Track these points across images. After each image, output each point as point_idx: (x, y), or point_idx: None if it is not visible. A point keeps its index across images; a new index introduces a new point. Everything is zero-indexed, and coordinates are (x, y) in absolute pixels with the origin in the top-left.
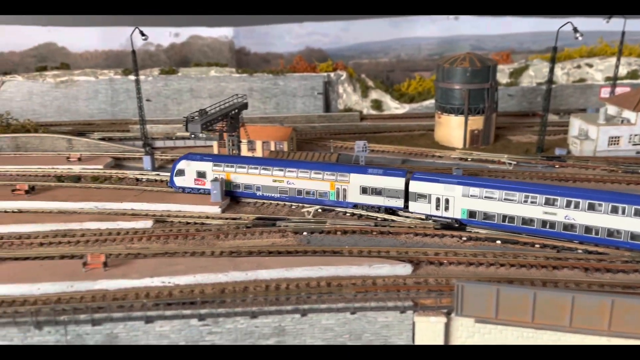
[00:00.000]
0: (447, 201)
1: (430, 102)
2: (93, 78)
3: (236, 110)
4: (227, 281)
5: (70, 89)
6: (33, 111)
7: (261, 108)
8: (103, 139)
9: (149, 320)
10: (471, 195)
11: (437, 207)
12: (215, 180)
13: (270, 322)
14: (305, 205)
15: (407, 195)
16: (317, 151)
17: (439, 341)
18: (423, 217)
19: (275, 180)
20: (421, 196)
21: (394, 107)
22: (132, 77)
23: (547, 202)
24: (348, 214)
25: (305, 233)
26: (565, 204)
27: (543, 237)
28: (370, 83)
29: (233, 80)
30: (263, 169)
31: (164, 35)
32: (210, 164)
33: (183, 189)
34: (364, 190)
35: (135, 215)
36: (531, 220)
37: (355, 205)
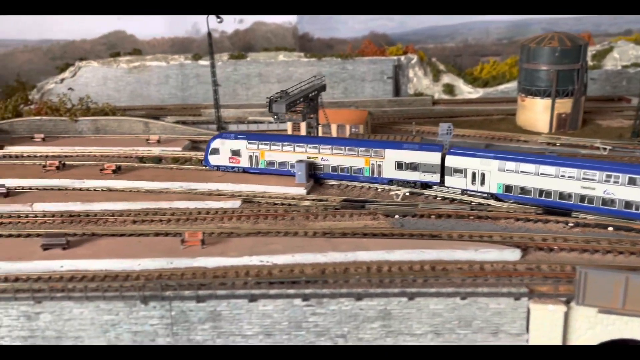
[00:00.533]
0: (482, 175)
1: (505, 87)
2: (164, 63)
3: (316, 92)
4: (326, 262)
5: (142, 74)
6: (107, 96)
7: (329, 93)
8: (178, 122)
9: (252, 298)
10: (507, 170)
11: (473, 181)
12: (300, 161)
13: (375, 305)
14: (392, 188)
15: (442, 170)
16: (394, 135)
17: (557, 332)
18: (458, 191)
19: (309, 157)
20: (457, 171)
21: (467, 91)
22: (202, 62)
23: (586, 177)
24: (439, 198)
25: (397, 216)
26: (605, 179)
27: (580, 212)
28: (442, 67)
29: (301, 64)
30: (297, 146)
31: (227, 21)
32: (245, 142)
33: (217, 167)
34: (400, 166)
35: (221, 195)
36: (569, 195)
37: (390, 181)
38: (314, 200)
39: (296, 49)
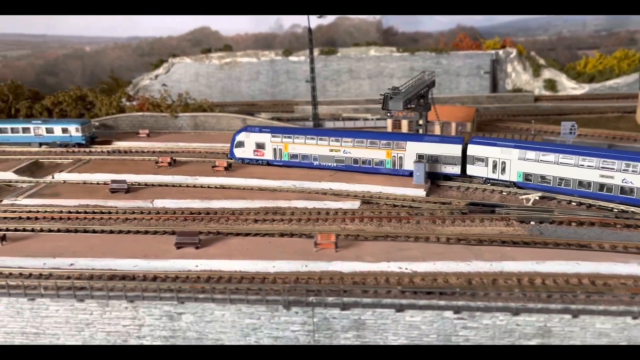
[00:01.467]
0: (503, 164)
1: (614, 82)
2: (255, 59)
3: (426, 88)
4: (470, 271)
5: (233, 71)
6: (199, 92)
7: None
8: (273, 119)
9: (400, 308)
10: (527, 159)
11: (494, 170)
12: (419, 161)
13: (534, 321)
14: (520, 192)
15: (463, 161)
16: (511, 134)
17: None
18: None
19: (331, 150)
20: (479, 159)
21: (570, 87)
22: (292, 58)
23: (604, 166)
24: (574, 203)
25: (532, 222)
26: (623, 167)
27: (599, 200)
28: (542, 61)
29: (393, 59)
30: (320, 139)
31: (310, 17)
32: (269, 135)
33: (242, 160)
34: (421, 158)
35: (336, 195)
36: (588, 184)
37: (411, 173)
38: (435, 202)
39: (382, 43)
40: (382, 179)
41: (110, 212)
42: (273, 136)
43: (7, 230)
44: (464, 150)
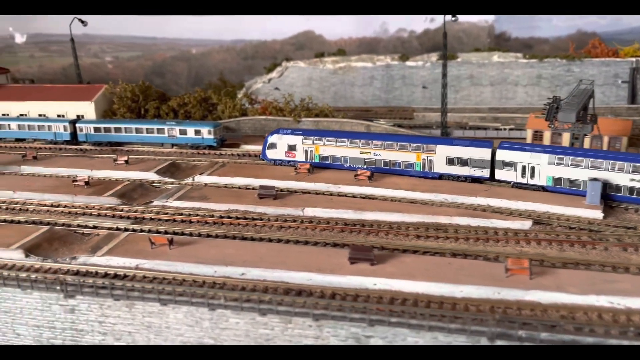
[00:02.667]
0: (532, 169)
1: None
2: (370, 64)
3: (590, 98)
4: None
5: (347, 75)
6: (312, 96)
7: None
8: (394, 126)
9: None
10: (557, 163)
11: (523, 174)
12: (594, 179)
13: None
14: None
15: (492, 165)
16: None
17: None
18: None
19: (362, 152)
20: (507, 164)
21: None
22: (409, 63)
23: (635, 170)
24: None
25: None
26: None
27: (629, 203)
28: None
29: (519, 66)
30: (351, 142)
31: (415, 20)
32: (301, 137)
33: (274, 162)
34: (450, 161)
35: (495, 212)
36: (618, 188)
37: (440, 176)
38: (617, 226)
39: (505, 49)
40: (549, 197)
41: (262, 219)
42: (305, 138)
43: (174, 233)
44: (493, 155)
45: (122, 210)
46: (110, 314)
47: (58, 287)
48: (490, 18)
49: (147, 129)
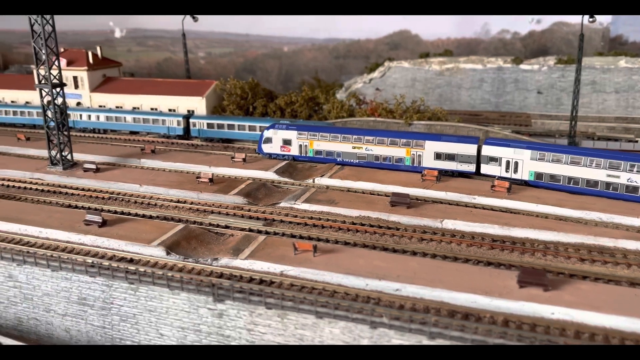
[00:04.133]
0: (516, 164)
1: None
2: (479, 66)
3: None
4: None
5: (454, 77)
6: (414, 98)
7: None
8: (514, 133)
9: None
10: (539, 159)
11: (507, 169)
12: None
13: None
14: None
15: (478, 160)
16: None
17: None
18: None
19: (354, 147)
20: (492, 159)
21: None
22: (523, 67)
23: (611, 166)
24: None
25: None
26: (629, 168)
27: (605, 198)
28: None
29: None
30: (343, 137)
31: (519, 21)
32: (295, 132)
33: (270, 155)
34: (438, 156)
35: None
36: (595, 183)
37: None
38: None
39: (633, 53)
40: None
41: (397, 229)
42: (299, 133)
43: (310, 238)
44: (479, 150)
45: (249, 210)
46: (260, 322)
47: (208, 290)
48: (606, 19)
49: (260, 127)
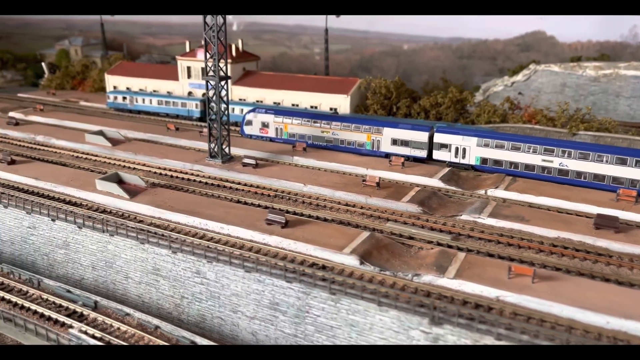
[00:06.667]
0: (464, 150)
1: None
2: None
3: None
4: None
5: (611, 84)
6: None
7: None
8: None
9: None
10: (484, 145)
11: (456, 155)
12: None
13: None
14: None
15: (430, 147)
16: None
17: None
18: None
19: (323, 131)
20: (443, 146)
21: None
22: None
23: (546, 152)
24: None
25: None
26: (561, 153)
27: (541, 181)
28: None
29: None
30: (314, 121)
31: None
32: (272, 116)
33: (250, 136)
34: (394, 142)
35: None
36: (533, 167)
37: (387, 155)
38: None
39: None
40: None
41: (610, 256)
42: (276, 117)
43: (521, 262)
44: (431, 138)
45: (427, 221)
46: None
47: (423, 311)
48: None
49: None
